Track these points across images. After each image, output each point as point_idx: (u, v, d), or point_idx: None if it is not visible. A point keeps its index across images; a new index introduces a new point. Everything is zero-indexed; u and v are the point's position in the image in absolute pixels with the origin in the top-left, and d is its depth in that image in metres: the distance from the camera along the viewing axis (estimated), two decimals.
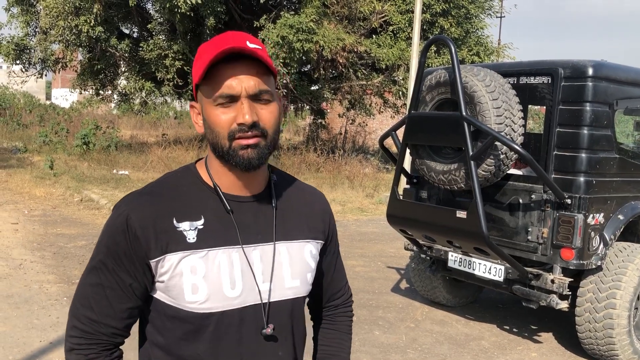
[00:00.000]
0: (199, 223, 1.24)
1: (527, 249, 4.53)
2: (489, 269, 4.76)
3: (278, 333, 1.30)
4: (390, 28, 16.32)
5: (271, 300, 1.29)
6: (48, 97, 45.50)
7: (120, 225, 1.22)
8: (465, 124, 4.25)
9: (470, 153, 4.23)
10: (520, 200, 4.56)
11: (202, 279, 1.21)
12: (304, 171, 13.83)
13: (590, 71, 4.25)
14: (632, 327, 4.44)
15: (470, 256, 4.88)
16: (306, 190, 1.46)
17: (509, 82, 4.58)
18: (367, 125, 21.62)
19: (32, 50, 17.01)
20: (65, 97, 29.45)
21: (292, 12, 14.78)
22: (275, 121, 1.24)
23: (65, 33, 15.25)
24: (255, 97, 1.20)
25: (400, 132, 4.97)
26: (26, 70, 17.66)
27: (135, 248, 1.21)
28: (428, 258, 5.49)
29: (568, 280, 4.37)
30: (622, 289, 4.35)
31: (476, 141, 4.31)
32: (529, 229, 4.49)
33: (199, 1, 12.78)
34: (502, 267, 4.66)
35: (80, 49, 16.84)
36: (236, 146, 1.20)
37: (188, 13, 13.06)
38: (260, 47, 1.21)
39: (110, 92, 19.47)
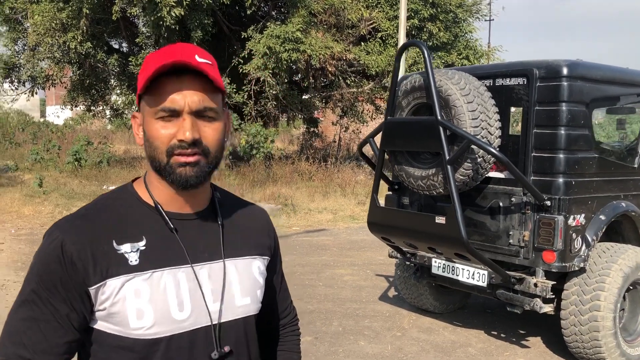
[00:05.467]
0: (141, 244, 1.18)
1: (509, 252, 4.46)
2: (473, 275, 4.69)
3: (235, 354, 1.24)
4: (379, 35, 16.34)
5: (223, 320, 1.23)
6: (43, 114, 45.54)
7: (53, 252, 1.13)
8: (441, 128, 4.19)
9: (447, 157, 4.18)
10: (501, 204, 4.50)
11: (148, 302, 1.14)
12: (296, 180, 13.76)
13: (565, 71, 4.21)
14: (618, 329, 4.36)
15: (454, 262, 4.81)
16: (249, 207, 1.42)
17: (485, 85, 4.53)
18: (360, 132, 21.60)
19: (21, 68, 16.98)
20: (56, 114, 29.40)
21: (279, 23, 14.77)
22: (219, 140, 1.20)
23: (53, 50, 15.25)
24: (199, 114, 1.15)
25: (378, 139, 4.92)
26: (16, 89, 17.64)
27: (72, 275, 1.12)
28: (412, 265, 5.42)
29: (551, 283, 4.30)
30: (606, 290, 4.28)
31: (453, 145, 4.26)
32: (510, 233, 4.43)
33: (183, 13, 12.74)
34: (485, 272, 4.59)
35: (70, 65, 16.84)
36: (174, 163, 1.15)
37: (174, 27, 13.03)
38: (209, 62, 1.17)
39: (101, 107, 19.44)
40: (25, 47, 16.81)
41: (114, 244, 1.16)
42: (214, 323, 1.21)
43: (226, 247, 1.27)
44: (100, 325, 1.16)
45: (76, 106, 18.74)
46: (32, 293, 1.14)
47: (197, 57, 1.15)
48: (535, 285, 4.31)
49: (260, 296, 1.32)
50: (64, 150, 17.82)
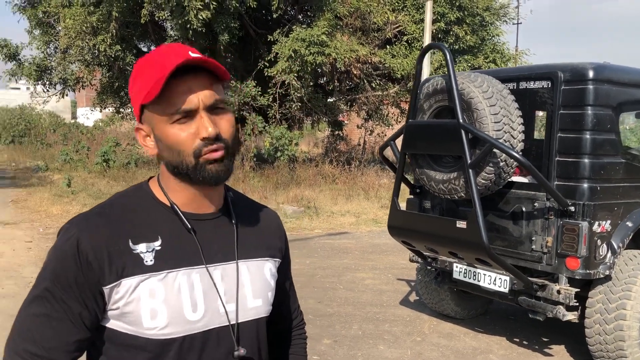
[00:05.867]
0: (156, 244, 1.17)
1: (532, 258, 4.38)
2: (494, 280, 4.62)
3: (247, 356, 1.24)
4: (405, 38, 16.29)
5: (238, 321, 1.22)
6: (74, 116, 46.40)
7: (69, 250, 1.12)
8: (463, 132, 4.15)
9: (469, 161, 4.13)
10: (524, 209, 4.42)
11: (162, 302, 1.14)
12: (319, 183, 13.76)
13: (590, 74, 4.12)
14: None
15: (475, 267, 4.75)
16: (261, 208, 1.41)
17: (509, 88, 4.47)
18: (385, 135, 21.51)
19: (53, 70, 17.34)
20: (86, 115, 29.98)
21: (305, 26, 14.81)
22: (233, 130, 1.19)
23: (83, 52, 15.54)
24: (212, 108, 1.15)
25: (400, 142, 4.89)
26: (48, 91, 18.02)
27: (87, 274, 1.12)
28: (433, 270, 5.36)
29: (575, 290, 4.21)
30: (633, 299, 4.17)
31: (475, 149, 4.20)
32: (533, 238, 4.35)
33: (209, 16, 12.86)
34: (507, 278, 4.52)
35: (100, 67, 17.13)
36: (203, 162, 1.14)
37: (200, 29, 13.16)
38: (202, 57, 1.15)
39: (130, 109, 19.73)
40: (57, 50, 17.16)
41: (130, 244, 1.15)
42: (232, 323, 1.21)
43: (239, 248, 1.26)
44: (112, 324, 1.16)
45: (105, 108, 19.04)
46: (46, 290, 1.13)
47: (191, 53, 1.13)
48: (558, 292, 4.22)
49: (271, 298, 1.31)
50: (93, 151, 18.14)
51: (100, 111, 19.73)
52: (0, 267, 7.04)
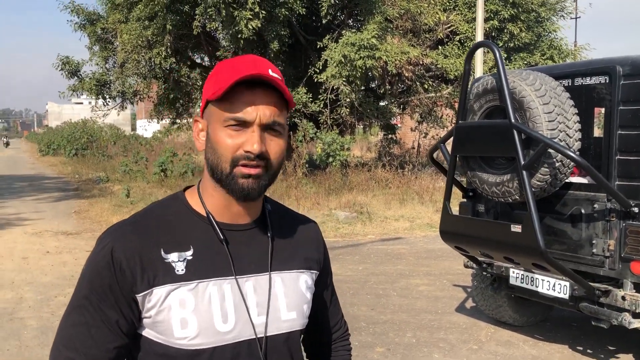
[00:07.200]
0: (188, 254, 1.18)
1: (593, 263, 4.17)
2: (553, 286, 4.42)
3: None
4: (457, 38, 15.99)
5: (267, 334, 1.21)
6: (133, 128, 48.00)
7: (104, 258, 1.16)
8: (515, 132, 3.99)
9: (522, 162, 3.96)
10: (583, 211, 4.22)
11: (192, 313, 1.15)
12: (372, 188, 13.65)
13: None
14: None
15: (533, 272, 4.56)
16: (300, 219, 1.40)
17: (563, 85, 4.27)
18: (440, 137, 21.18)
19: (111, 85, 17.96)
20: (144, 127, 30.92)
21: (355, 30, 14.76)
22: (281, 155, 1.20)
23: (139, 66, 16.02)
24: (267, 127, 1.15)
25: (450, 144, 4.76)
26: (107, 104, 18.67)
27: (121, 282, 1.15)
28: (489, 275, 5.19)
29: None
30: None
31: (528, 149, 4.04)
32: (594, 242, 4.14)
33: (259, 25, 12.99)
34: (567, 284, 4.31)
35: (156, 80, 17.62)
36: (237, 173, 1.15)
37: (252, 38, 13.32)
38: (280, 78, 1.17)
39: (186, 120, 20.19)
40: (115, 65, 17.75)
41: (162, 253, 1.16)
42: (259, 336, 1.19)
43: (274, 260, 1.25)
44: (147, 332, 1.18)
45: (162, 119, 19.55)
46: (84, 299, 1.17)
47: (270, 71, 1.15)
48: (623, 298, 4.00)
49: (307, 311, 1.29)
50: (151, 162, 18.65)
51: (158, 122, 20.27)
52: (63, 275, 7.30)
